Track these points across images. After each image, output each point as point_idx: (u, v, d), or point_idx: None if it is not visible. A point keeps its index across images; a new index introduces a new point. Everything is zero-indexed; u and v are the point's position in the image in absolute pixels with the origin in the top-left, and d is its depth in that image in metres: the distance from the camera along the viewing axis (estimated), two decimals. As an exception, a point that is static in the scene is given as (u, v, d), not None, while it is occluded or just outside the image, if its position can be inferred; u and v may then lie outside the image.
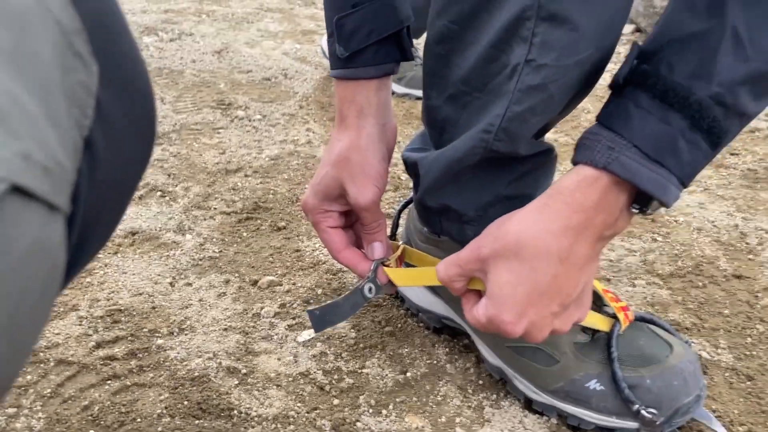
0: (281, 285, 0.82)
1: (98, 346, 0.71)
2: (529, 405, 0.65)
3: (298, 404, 0.65)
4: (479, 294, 0.57)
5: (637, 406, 0.58)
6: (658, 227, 0.97)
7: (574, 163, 0.51)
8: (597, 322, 0.63)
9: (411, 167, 0.67)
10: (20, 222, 0.20)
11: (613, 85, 0.51)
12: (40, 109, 0.22)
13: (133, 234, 0.91)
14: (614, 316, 0.63)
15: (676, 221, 0.99)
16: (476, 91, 0.59)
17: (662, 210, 0.99)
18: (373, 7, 0.60)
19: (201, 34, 1.78)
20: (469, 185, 0.63)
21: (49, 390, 0.65)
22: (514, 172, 0.62)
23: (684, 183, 0.49)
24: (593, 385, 0.61)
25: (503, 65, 0.55)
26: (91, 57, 0.25)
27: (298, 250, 0.89)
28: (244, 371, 0.69)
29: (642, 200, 0.49)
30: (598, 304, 0.65)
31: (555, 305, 0.52)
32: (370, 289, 0.65)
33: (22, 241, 0.20)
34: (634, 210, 0.50)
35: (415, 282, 0.69)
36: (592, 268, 0.53)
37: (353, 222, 0.69)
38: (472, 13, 0.56)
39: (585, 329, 0.63)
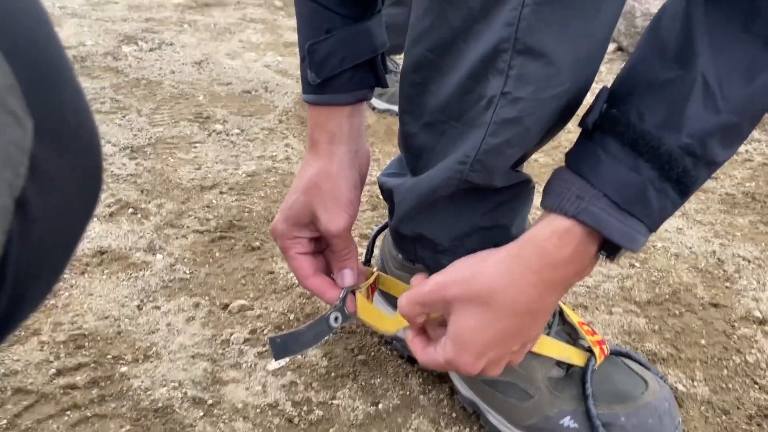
0: (252, 309, 0.80)
1: (59, 373, 0.68)
2: (502, 440, 0.64)
3: (265, 438, 0.63)
4: (426, 333, 0.58)
5: (611, 444, 0.57)
6: (635, 253, 0.96)
7: (543, 206, 0.50)
8: (572, 356, 0.62)
9: (386, 193, 0.66)
10: None
11: (583, 128, 0.50)
12: None
13: (102, 253, 0.88)
14: (590, 350, 0.62)
15: (654, 246, 0.98)
16: (453, 120, 0.57)
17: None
18: (346, 34, 0.59)
19: (182, 44, 1.75)
20: (445, 215, 0.62)
21: (5, 421, 0.62)
22: (490, 203, 0.61)
23: (652, 230, 0.48)
24: (567, 422, 0.59)
25: (479, 96, 0.54)
26: (25, 113, 0.23)
27: (271, 272, 0.87)
28: (210, 402, 0.66)
29: (610, 249, 0.48)
30: (574, 337, 0.64)
31: (516, 346, 0.52)
32: (336, 318, 0.63)
33: None
34: (601, 256, 0.50)
35: (376, 322, 0.67)
36: (548, 314, 0.53)
37: (323, 248, 0.68)
38: (449, 43, 0.54)
39: (560, 363, 0.62)
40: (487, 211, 0.61)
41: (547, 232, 0.48)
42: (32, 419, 0.63)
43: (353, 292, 0.65)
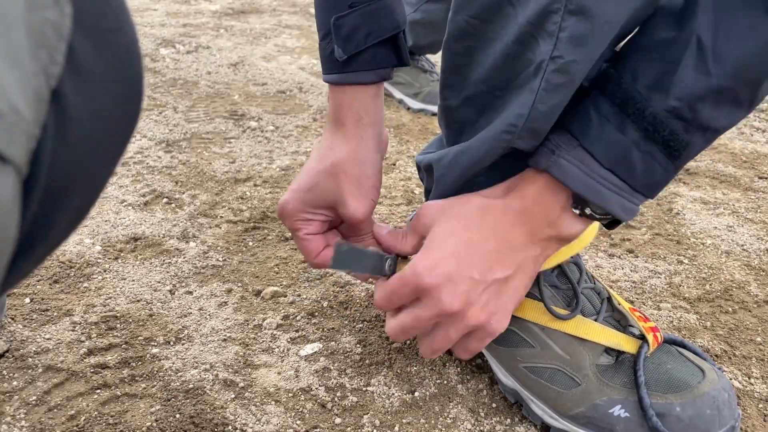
0: (285, 296, 0.78)
1: (90, 353, 0.67)
2: (546, 431, 0.60)
3: (298, 422, 0.61)
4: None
5: (665, 436, 0.54)
6: (683, 249, 0.92)
7: (528, 163, 0.53)
8: (622, 342, 0.58)
9: (426, 169, 0.64)
10: None
11: (581, 86, 0.50)
12: None
13: (135, 240, 0.88)
14: (641, 337, 0.58)
15: (703, 243, 0.94)
16: (497, 90, 0.55)
17: (688, 231, 0.95)
18: (369, 8, 0.58)
19: (218, 48, 1.77)
20: (484, 186, 0.59)
21: (34, 397, 0.61)
22: (522, 167, 0.58)
23: (645, 194, 0.49)
24: (617, 411, 0.56)
25: (528, 62, 0.51)
26: None
27: (304, 261, 0.85)
28: (241, 384, 0.64)
29: (578, 202, 0.50)
30: (623, 323, 0.60)
31: (475, 271, 0.51)
32: (389, 266, 0.60)
33: None
34: (575, 210, 0.51)
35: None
36: (525, 267, 0.53)
37: (336, 225, 0.67)
38: (495, 7, 0.52)
39: (609, 350, 0.58)
40: None
41: (518, 177, 0.53)
42: (62, 396, 0.62)
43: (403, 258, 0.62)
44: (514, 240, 0.52)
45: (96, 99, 0.24)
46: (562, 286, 0.60)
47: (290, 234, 0.91)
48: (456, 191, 0.60)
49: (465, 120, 0.59)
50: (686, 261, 0.89)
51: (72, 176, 0.24)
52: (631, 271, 0.87)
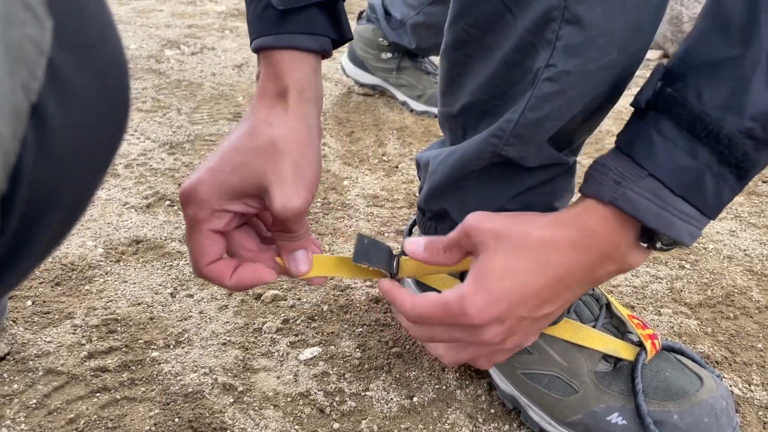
0: (285, 300, 0.78)
1: (90, 356, 0.68)
2: (544, 438, 0.60)
3: (296, 426, 0.61)
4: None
5: (663, 444, 0.53)
6: (685, 254, 0.92)
7: (581, 192, 0.48)
8: (620, 349, 0.58)
9: (423, 167, 0.64)
10: None
11: (635, 107, 0.47)
12: None
13: (137, 242, 0.88)
14: (639, 344, 0.58)
15: (705, 248, 0.93)
16: (495, 98, 0.55)
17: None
18: None
19: (223, 49, 1.77)
20: (473, 193, 0.60)
21: (34, 400, 0.62)
22: (520, 185, 0.58)
23: (711, 217, 0.45)
24: (615, 418, 0.56)
25: (527, 70, 0.51)
26: (44, 11, 0.22)
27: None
28: (240, 389, 0.65)
29: (649, 236, 0.46)
30: (622, 330, 0.60)
31: (525, 311, 0.48)
32: (396, 265, 0.57)
33: None
34: (643, 244, 0.47)
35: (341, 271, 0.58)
36: (571, 300, 0.50)
37: (243, 224, 0.55)
38: (494, 16, 0.52)
39: (607, 358, 0.58)
40: (517, 194, 0.59)
41: (582, 208, 0.47)
42: (62, 399, 0.62)
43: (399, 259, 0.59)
44: (572, 280, 0.48)
45: (79, 112, 0.24)
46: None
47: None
48: (444, 190, 0.60)
49: (466, 125, 0.59)
50: (688, 266, 0.89)
51: (55, 190, 0.24)
52: (632, 275, 0.87)
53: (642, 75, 1.32)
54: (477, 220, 0.50)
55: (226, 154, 0.49)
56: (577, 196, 0.50)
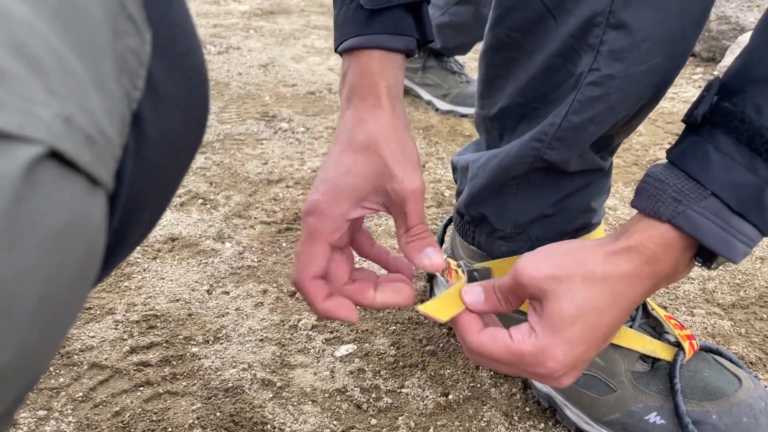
0: (320, 297, 0.80)
1: (132, 351, 0.69)
2: (580, 436, 0.61)
3: (334, 422, 0.62)
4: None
5: (701, 443, 0.54)
6: (717, 255, 0.92)
7: (634, 207, 0.46)
8: (657, 349, 0.58)
9: (461, 170, 0.64)
10: (57, 192, 0.18)
11: (688, 121, 0.45)
12: (86, 71, 0.20)
13: (173, 240, 0.90)
14: (677, 344, 0.58)
15: (736, 249, 0.93)
16: (535, 101, 0.56)
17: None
18: None
19: (248, 49, 1.79)
20: (513, 200, 0.60)
21: (80, 394, 0.64)
22: (560, 192, 0.59)
23: (765, 234, 0.44)
24: (653, 418, 0.56)
25: (569, 74, 0.52)
26: (144, 23, 0.23)
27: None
28: (279, 384, 0.66)
29: (706, 255, 0.45)
30: (658, 330, 0.60)
31: (595, 351, 0.47)
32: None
33: (57, 215, 0.18)
34: (696, 263, 0.46)
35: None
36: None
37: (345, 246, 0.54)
38: (536, 20, 0.53)
39: (644, 358, 0.59)
40: (557, 200, 0.59)
41: (645, 233, 0.45)
42: (107, 393, 0.64)
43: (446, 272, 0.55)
44: (634, 306, 0.47)
45: (168, 118, 0.25)
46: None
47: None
48: (484, 196, 0.61)
49: (503, 127, 0.60)
50: (720, 267, 0.89)
51: (146, 192, 0.26)
52: (663, 276, 0.87)
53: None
54: (528, 272, 0.46)
55: (336, 161, 0.50)
56: (613, 196, 0.51)
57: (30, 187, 0.17)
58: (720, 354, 0.61)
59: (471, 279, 0.51)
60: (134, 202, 0.24)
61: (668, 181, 0.44)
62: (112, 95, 0.21)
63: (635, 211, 0.47)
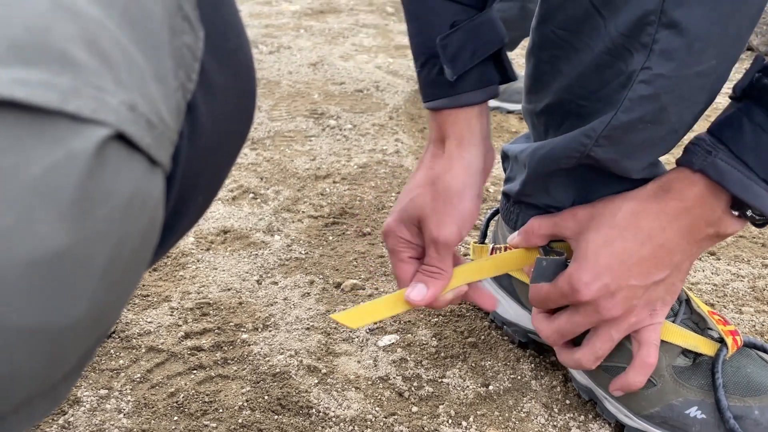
0: (364, 289, 0.82)
1: (187, 336, 0.73)
2: (620, 429, 0.61)
3: (377, 408, 0.64)
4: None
5: (743, 439, 0.53)
6: (769, 253, 0.90)
7: (677, 164, 0.52)
8: (699, 345, 0.58)
9: (512, 158, 0.66)
10: (123, 169, 0.21)
11: (732, 96, 0.50)
12: (148, 65, 0.22)
13: (225, 232, 0.94)
14: (720, 341, 0.58)
15: (790, 247, 0.91)
16: (582, 99, 0.56)
17: (775, 234, 0.92)
18: (472, 25, 0.54)
19: (298, 48, 1.83)
20: (560, 190, 0.61)
21: (138, 375, 0.67)
22: (608, 191, 0.59)
23: None
24: (694, 412, 0.56)
25: (619, 72, 0.52)
26: (198, 22, 0.25)
27: (381, 256, 0.89)
28: (324, 371, 0.68)
29: (739, 205, 0.49)
30: (701, 326, 0.60)
31: (633, 279, 0.52)
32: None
33: (123, 189, 0.21)
34: (734, 213, 0.50)
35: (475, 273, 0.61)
36: (681, 265, 0.52)
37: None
38: (583, 19, 0.53)
39: (686, 353, 0.59)
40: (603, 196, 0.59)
41: (673, 176, 0.51)
42: (162, 375, 0.68)
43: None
44: (671, 243, 0.51)
45: (219, 110, 0.28)
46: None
47: (368, 230, 0.94)
48: (530, 186, 0.62)
49: (549, 123, 0.60)
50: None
51: (199, 175, 0.28)
52: (712, 273, 0.85)
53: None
54: (570, 211, 0.57)
55: (405, 194, 0.59)
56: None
57: (100, 163, 0.20)
58: (765, 350, 0.60)
59: (546, 253, 0.60)
60: (188, 184, 0.27)
61: (705, 139, 0.49)
62: (170, 86, 0.23)
63: None
